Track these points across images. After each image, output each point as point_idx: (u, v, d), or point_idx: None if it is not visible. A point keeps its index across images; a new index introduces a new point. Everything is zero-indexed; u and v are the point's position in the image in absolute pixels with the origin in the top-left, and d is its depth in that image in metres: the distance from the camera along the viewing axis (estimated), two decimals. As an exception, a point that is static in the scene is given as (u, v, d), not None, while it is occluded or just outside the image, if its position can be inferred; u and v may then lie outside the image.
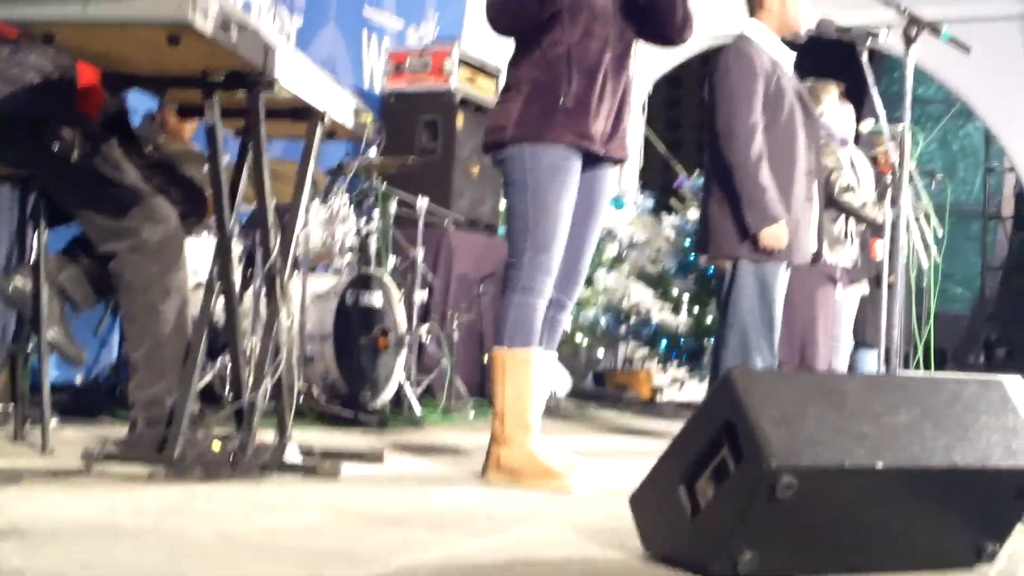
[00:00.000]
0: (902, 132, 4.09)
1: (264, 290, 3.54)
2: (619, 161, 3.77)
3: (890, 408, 2.43)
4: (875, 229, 5.81)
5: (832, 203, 5.70)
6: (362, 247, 5.53)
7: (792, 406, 2.30)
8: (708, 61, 4.75)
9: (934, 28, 3.70)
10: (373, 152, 5.54)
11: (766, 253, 4.44)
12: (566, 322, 3.89)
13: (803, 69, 5.62)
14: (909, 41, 3.71)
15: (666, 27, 3.70)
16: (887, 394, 2.47)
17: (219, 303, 3.34)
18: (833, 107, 6.01)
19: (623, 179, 9.36)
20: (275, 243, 3.34)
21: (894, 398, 2.47)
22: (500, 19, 3.59)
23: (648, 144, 10.65)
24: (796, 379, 2.58)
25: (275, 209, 3.43)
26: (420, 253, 5.79)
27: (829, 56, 6.98)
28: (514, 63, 3.69)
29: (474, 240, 6.83)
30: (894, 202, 3.96)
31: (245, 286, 4.05)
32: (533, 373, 3.59)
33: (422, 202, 5.80)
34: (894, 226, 4.01)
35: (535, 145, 3.55)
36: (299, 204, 3.45)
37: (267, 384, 3.28)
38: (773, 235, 4.39)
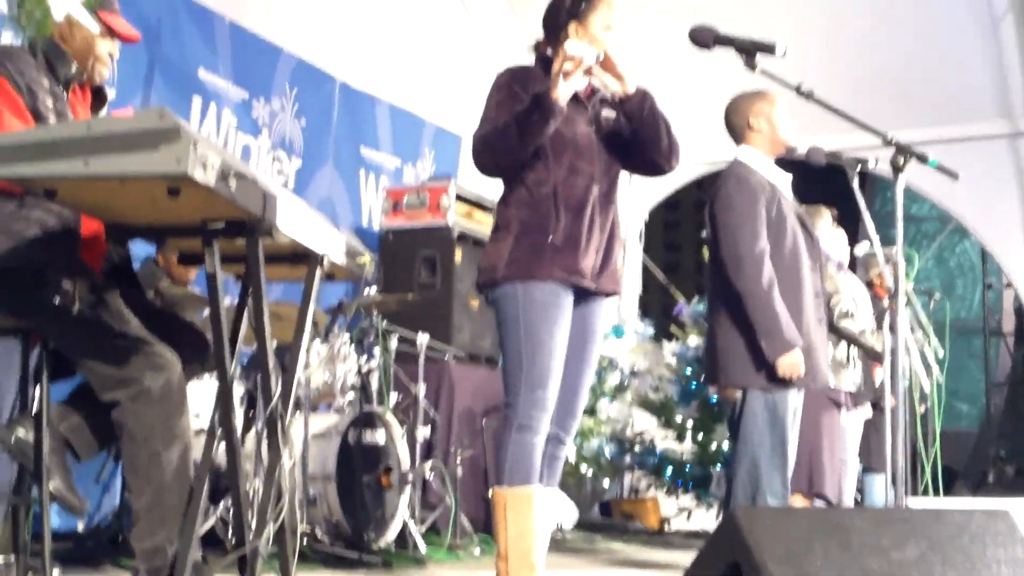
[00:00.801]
0: (895, 256, 4.11)
1: (266, 433, 3.54)
2: (611, 294, 3.80)
3: (897, 543, 2.41)
4: (874, 356, 5.79)
5: (832, 329, 5.69)
6: (363, 385, 5.54)
7: (798, 544, 2.29)
8: (702, 185, 4.78)
9: (921, 157, 3.74)
10: (372, 290, 5.60)
11: (784, 381, 4.39)
12: (570, 453, 3.88)
13: (796, 194, 5.70)
14: (897, 169, 3.74)
15: (655, 156, 3.76)
16: (893, 528, 2.46)
17: (221, 447, 3.33)
18: (827, 232, 6.06)
19: (623, 308, 9.40)
20: (276, 386, 3.35)
21: (900, 532, 2.45)
22: (484, 160, 3.65)
23: (647, 271, 10.73)
24: (801, 515, 2.55)
25: (276, 350, 3.44)
26: (422, 389, 5.80)
27: (822, 180, 7.07)
28: (503, 203, 3.75)
29: (476, 374, 6.84)
30: (892, 327, 3.96)
31: (247, 428, 4.04)
32: (535, 511, 3.57)
33: (422, 338, 5.83)
34: (893, 351, 4.01)
35: (526, 283, 3.60)
36: (299, 346, 3.46)
37: (270, 529, 3.26)
38: (791, 363, 4.32)
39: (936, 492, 7.10)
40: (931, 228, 16.25)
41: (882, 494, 6.43)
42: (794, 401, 4.52)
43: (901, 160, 3.77)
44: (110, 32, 3.53)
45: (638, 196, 9.87)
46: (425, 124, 8.33)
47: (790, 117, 4.71)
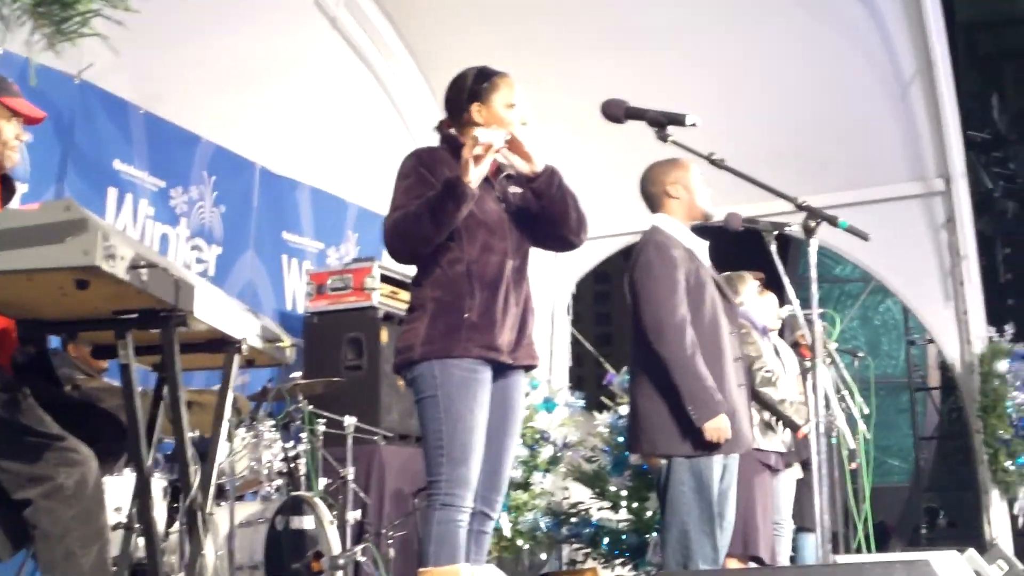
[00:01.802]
0: (811, 318, 4.15)
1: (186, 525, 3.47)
2: (529, 368, 3.81)
3: (822, 602, 2.42)
4: (790, 425, 5.80)
5: (754, 396, 5.70)
6: (290, 471, 5.47)
7: (724, 610, 2.28)
8: (630, 254, 4.79)
9: (831, 220, 3.80)
10: (298, 374, 5.55)
11: (707, 446, 4.40)
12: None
13: (724, 261, 5.76)
14: (808, 232, 3.80)
15: (563, 231, 3.79)
16: (818, 587, 2.46)
17: (141, 542, 3.26)
18: (752, 297, 6.09)
19: (554, 381, 9.41)
20: (195, 477, 3.29)
21: (825, 591, 2.45)
22: (397, 246, 3.66)
23: (577, 342, 10.76)
24: (726, 580, 2.56)
25: (198, 440, 3.40)
26: (351, 472, 5.73)
27: (756, 247, 7.17)
28: (417, 283, 3.76)
29: (406, 454, 6.79)
30: (813, 387, 3.99)
31: (172, 521, 3.97)
32: (463, 590, 3.53)
33: (349, 420, 5.78)
34: (815, 410, 4.02)
35: (444, 361, 3.59)
36: (219, 435, 3.42)
37: (193, 624, 3.18)
38: (717, 428, 4.33)
39: (869, 548, 7.13)
40: (855, 288, 16.46)
41: (814, 553, 6.44)
42: (720, 466, 4.52)
43: (812, 223, 3.83)
44: (13, 114, 3.47)
45: (563, 268, 9.92)
46: (348, 206, 8.33)
47: (707, 185, 4.78)
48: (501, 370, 3.71)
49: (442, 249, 3.66)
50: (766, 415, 5.90)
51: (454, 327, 3.60)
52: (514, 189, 3.83)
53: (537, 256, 3.96)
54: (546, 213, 3.75)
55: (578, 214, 3.78)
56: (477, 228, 3.67)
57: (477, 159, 3.52)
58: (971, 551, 5.62)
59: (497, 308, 3.65)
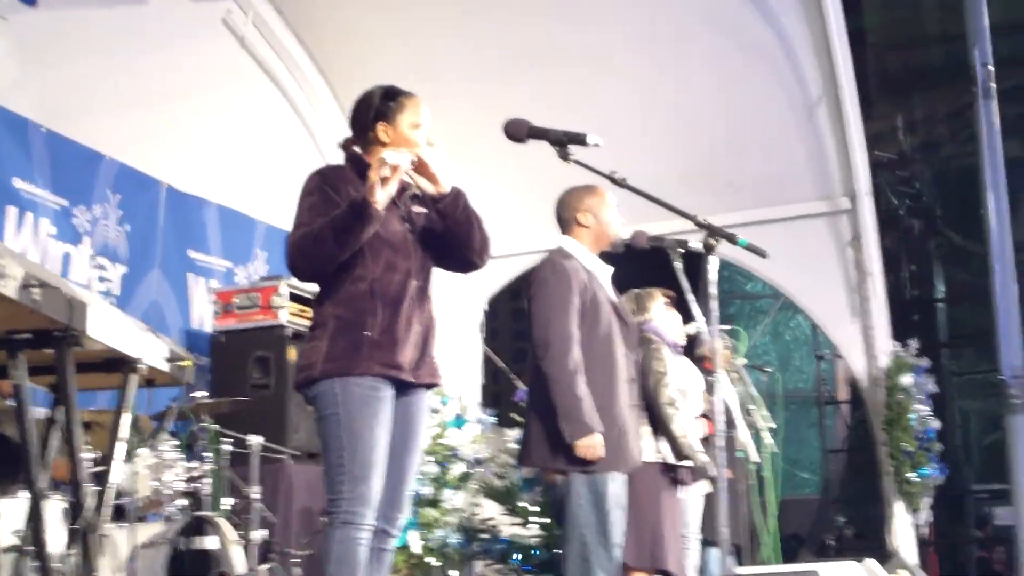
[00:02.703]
0: (714, 335, 4.20)
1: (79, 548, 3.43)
2: (431, 386, 3.82)
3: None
4: (680, 456, 5.79)
5: (654, 420, 5.70)
6: (194, 491, 5.42)
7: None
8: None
9: (730, 237, 3.88)
10: (203, 394, 5.51)
11: (583, 463, 4.43)
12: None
13: (634, 279, 5.81)
14: (709, 249, 3.89)
15: (467, 253, 3.82)
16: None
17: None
18: (660, 313, 6.15)
19: (464, 398, 9.41)
20: (91, 498, 3.27)
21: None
22: (300, 265, 3.64)
23: (488, 362, 10.79)
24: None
25: (99, 460, 3.37)
26: (257, 491, 5.69)
27: (658, 265, 7.24)
28: (319, 301, 3.74)
29: (314, 472, 6.74)
30: (714, 403, 4.05)
31: (72, 543, 3.91)
32: (363, 608, 3.54)
33: (255, 439, 5.74)
34: (720, 424, 4.08)
35: (345, 379, 3.59)
36: (114, 455, 3.40)
37: (88, 647, 3.16)
38: (588, 445, 4.38)
39: (776, 560, 7.26)
40: (766, 304, 16.67)
41: (720, 566, 6.53)
42: (617, 480, 4.58)
43: (712, 241, 3.92)
44: None
45: (475, 286, 9.94)
46: (256, 224, 8.27)
47: (618, 210, 4.85)
48: (403, 388, 3.72)
49: (345, 267, 3.65)
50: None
51: (355, 345, 3.60)
52: (419, 209, 3.85)
53: (449, 273, 3.99)
54: (450, 234, 3.77)
55: (482, 235, 3.81)
56: (381, 247, 3.68)
57: (384, 181, 3.53)
58: (870, 561, 5.75)
59: (399, 326, 3.66)
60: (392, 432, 3.66)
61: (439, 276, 3.92)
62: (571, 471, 4.47)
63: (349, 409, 3.57)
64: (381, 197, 3.52)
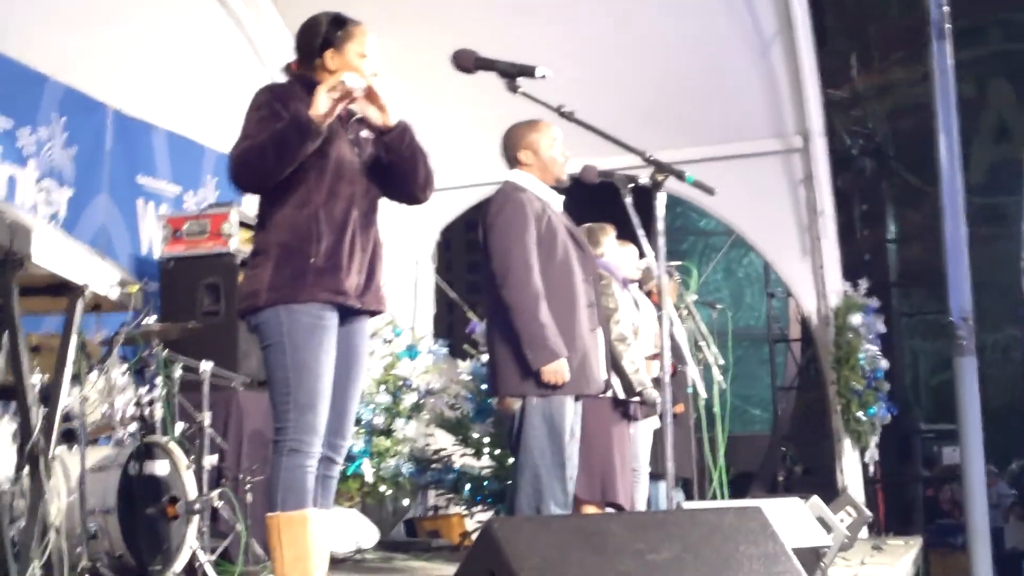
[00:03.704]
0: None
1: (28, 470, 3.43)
2: (375, 313, 3.82)
3: (652, 546, 2.49)
4: (630, 391, 5.82)
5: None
6: (144, 416, 5.41)
7: (554, 552, 2.34)
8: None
9: (678, 174, 3.89)
10: (152, 319, 5.48)
11: (551, 387, 4.49)
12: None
13: (586, 214, 5.81)
14: (656, 185, 3.90)
15: (410, 186, 3.81)
16: (648, 532, 2.54)
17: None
18: (612, 248, 6.15)
19: (417, 328, 9.44)
20: (38, 421, 3.26)
21: (655, 535, 2.53)
22: (242, 177, 3.61)
23: (439, 292, 10.81)
24: (558, 524, 2.62)
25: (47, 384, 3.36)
26: (207, 418, 5.69)
27: (607, 199, 7.25)
28: (261, 227, 3.72)
29: (265, 400, 6.70)
30: (661, 338, 4.08)
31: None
32: (310, 534, 3.56)
33: (206, 366, 5.73)
34: (663, 359, 4.09)
35: (290, 306, 3.58)
36: (60, 379, 3.39)
37: (35, 567, 3.17)
38: (554, 371, 4.44)
39: (724, 496, 7.35)
40: (719, 242, 16.68)
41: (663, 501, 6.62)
42: (571, 410, 4.62)
43: (659, 177, 3.93)
44: None
45: (428, 217, 9.93)
46: (205, 150, 8.18)
47: (565, 145, 4.84)
48: (347, 315, 3.72)
49: (288, 191, 3.62)
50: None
51: (300, 271, 3.59)
52: (365, 135, 3.83)
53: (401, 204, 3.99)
54: (395, 167, 3.76)
55: (426, 171, 3.79)
56: (325, 172, 3.65)
57: (334, 103, 3.51)
58: (815, 498, 5.84)
59: (344, 252, 3.64)
60: (336, 360, 3.67)
61: (390, 204, 3.92)
62: (529, 398, 4.51)
63: (294, 338, 3.57)
64: (324, 111, 3.49)
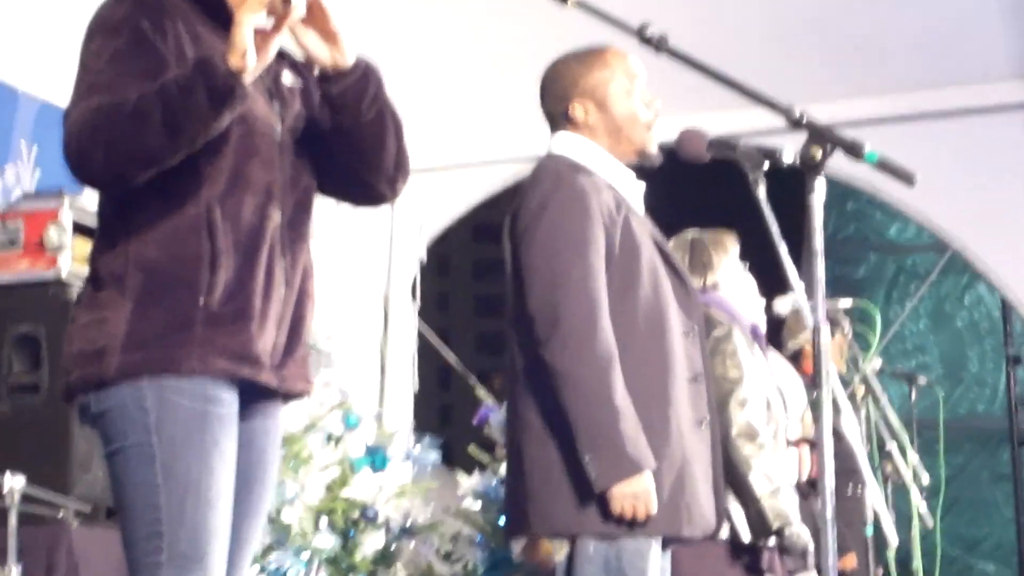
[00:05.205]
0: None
1: None
2: (298, 395, 3.89)
3: None
4: (761, 531, 5.82)
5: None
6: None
7: None
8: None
9: (852, 147, 3.85)
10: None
11: (623, 524, 4.50)
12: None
13: (680, 211, 5.83)
14: (810, 167, 3.84)
15: (370, 172, 3.86)
16: None
17: None
18: (734, 276, 6.19)
19: (387, 414, 9.46)
20: None
21: None
22: (92, 156, 3.53)
23: (426, 351, 10.83)
24: None
25: None
26: (15, 571, 5.74)
27: (720, 187, 7.31)
28: (109, 240, 3.73)
29: (116, 540, 6.77)
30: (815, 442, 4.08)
31: None
32: None
33: (13, 482, 5.77)
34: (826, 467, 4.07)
35: (161, 381, 3.60)
36: None
37: None
38: (633, 494, 4.46)
39: None
40: (922, 265, 16.57)
41: None
42: (657, 563, 4.63)
43: (817, 151, 3.89)
44: None
45: (405, 220, 9.94)
46: (20, 99, 8.28)
47: (650, 91, 4.87)
48: (253, 396, 3.76)
49: (161, 177, 3.59)
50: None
51: (180, 321, 3.61)
52: (293, 80, 3.86)
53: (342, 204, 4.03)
54: (346, 140, 3.80)
55: (398, 147, 3.86)
56: (225, 144, 3.66)
57: (263, 33, 3.50)
58: None
59: (254, 287, 3.67)
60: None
61: (336, 203, 3.95)
62: (583, 537, 4.51)
63: (171, 438, 3.60)
64: (253, 59, 3.47)
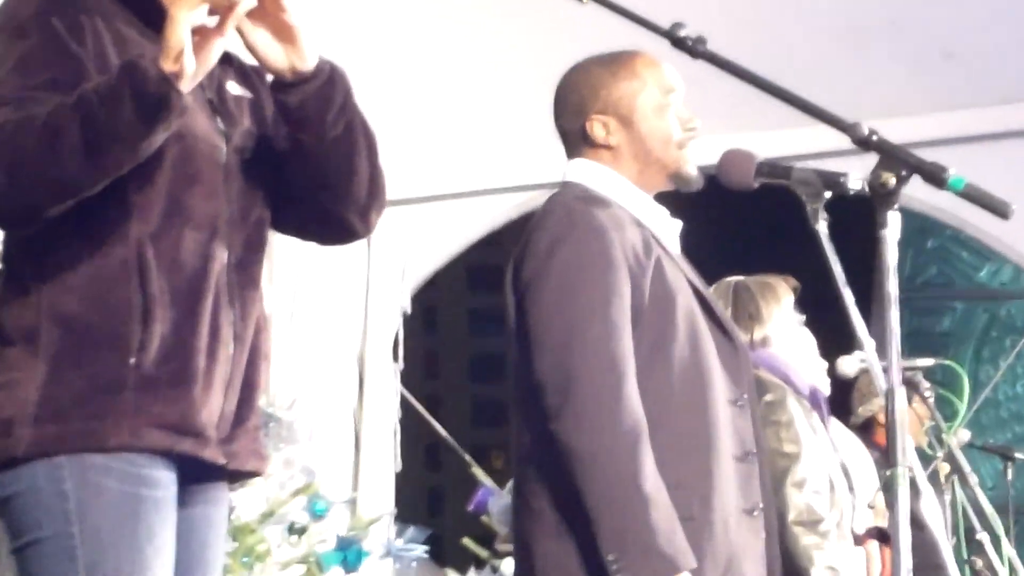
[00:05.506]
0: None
1: None
2: (250, 475, 3.89)
3: None
4: None
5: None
6: None
7: None
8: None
9: (931, 172, 3.82)
10: None
11: None
12: None
13: (722, 251, 5.83)
14: (882, 196, 3.82)
15: (338, 201, 3.85)
16: None
17: None
18: (786, 329, 6.19)
19: (362, 500, 9.48)
20: None
21: None
22: None
23: (411, 422, 10.84)
24: None
25: None
26: None
27: (769, 218, 7.34)
28: (17, 287, 3.69)
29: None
30: (888, 531, 4.08)
31: None
32: None
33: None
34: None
35: (81, 459, 3.58)
36: None
37: None
38: None
39: None
40: (1022, 314, 16.61)
41: None
42: None
43: (890, 178, 3.87)
44: None
45: (385, 260, 9.98)
46: None
47: (687, 106, 4.87)
48: (194, 477, 3.75)
49: (80, 210, 3.56)
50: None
51: (107, 384, 3.59)
52: (240, 91, 3.86)
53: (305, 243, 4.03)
54: (309, 160, 3.79)
55: (372, 171, 3.85)
56: (159, 167, 3.64)
57: (204, 32, 3.49)
58: None
59: (197, 344, 3.66)
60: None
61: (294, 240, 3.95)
62: None
63: (94, 526, 3.58)
64: (191, 65, 3.43)
